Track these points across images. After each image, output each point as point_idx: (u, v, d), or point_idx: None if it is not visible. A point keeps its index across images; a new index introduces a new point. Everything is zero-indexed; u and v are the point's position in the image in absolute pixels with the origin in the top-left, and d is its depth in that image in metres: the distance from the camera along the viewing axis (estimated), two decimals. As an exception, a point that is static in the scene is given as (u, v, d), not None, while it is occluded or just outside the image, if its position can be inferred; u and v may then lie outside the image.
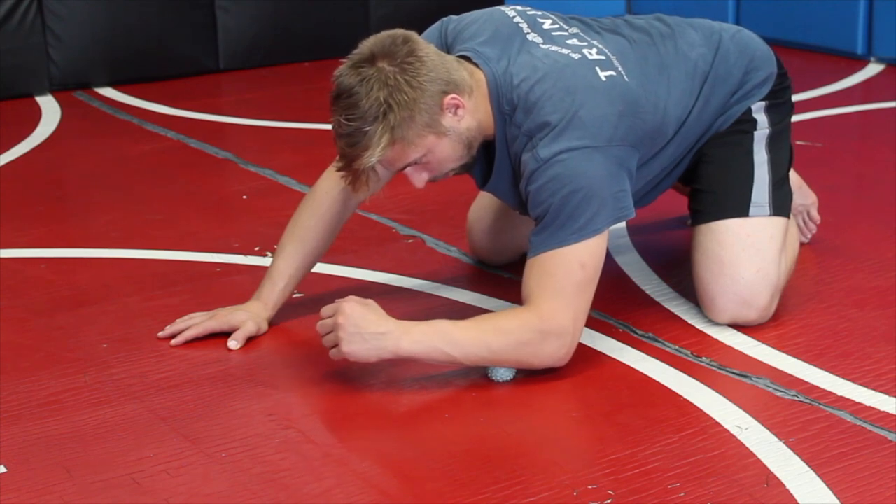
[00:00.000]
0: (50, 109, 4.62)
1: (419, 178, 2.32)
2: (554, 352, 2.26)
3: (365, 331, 2.20)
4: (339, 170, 2.29)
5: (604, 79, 2.32)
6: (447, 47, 2.43)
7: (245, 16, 5.19)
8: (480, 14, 2.48)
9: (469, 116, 2.29)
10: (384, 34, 2.25)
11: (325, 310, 2.26)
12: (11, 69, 4.74)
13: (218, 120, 4.48)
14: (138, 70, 5.02)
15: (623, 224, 3.10)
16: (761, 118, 2.59)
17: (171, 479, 2.01)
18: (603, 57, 2.37)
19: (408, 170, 2.30)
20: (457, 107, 2.26)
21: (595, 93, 2.30)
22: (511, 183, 2.41)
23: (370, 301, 2.25)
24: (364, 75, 2.19)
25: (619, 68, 2.37)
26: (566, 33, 2.43)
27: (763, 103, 2.59)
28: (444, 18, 2.52)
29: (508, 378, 2.31)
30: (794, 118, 2.74)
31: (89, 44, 4.91)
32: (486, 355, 2.25)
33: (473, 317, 2.30)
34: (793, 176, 2.87)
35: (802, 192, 2.95)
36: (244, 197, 3.53)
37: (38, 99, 4.77)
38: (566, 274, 2.25)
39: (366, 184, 2.27)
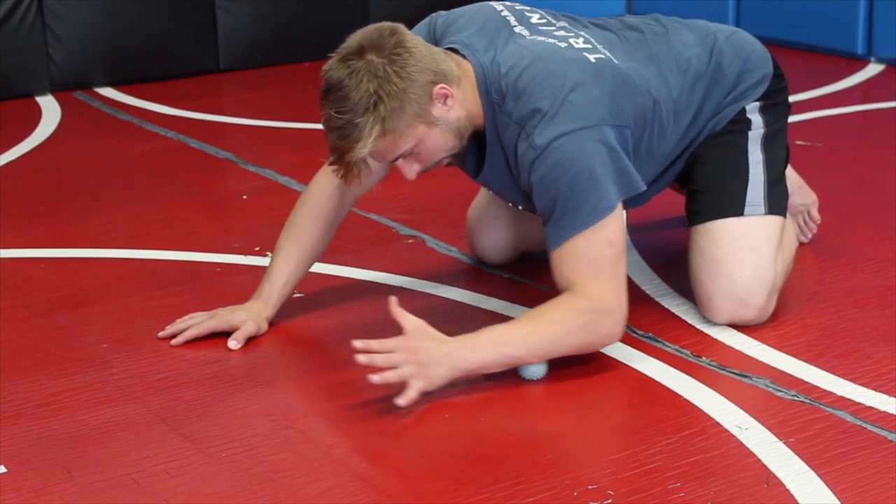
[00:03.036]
0: (50, 109, 4.62)
1: (410, 170, 2.32)
2: (609, 329, 2.29)
3: (435, 357, 2.19)
4: (330, 164, 2.30)
5: (593, 60, 2.34)
6: (436, 41, 2.44)
7: (245, 16, 5.19)
8: (469, 8, 2.50)
9: (458, 106, 2.30)
10: (371, 27, 2.27)
11: (384, 345, 2.18)
12: (11, 69, 4.74)
13: (218, 120, 4.48)
14: (138, 70, 5.02)
15: (623, 224, 3.09)
16: (756, 118, 2.59)
17: (171, 479, 2.01)
18: (589, 45, 2.39)
19: (399, 161, 2.31)
20: (446, 96, 2.27)
21: (584, 75, 2.30)
22: (505, 172, 2.41)
23: (420, 322, 2.22)
24: (353, 68, 2.20)
25: (607, 53, 2.38)
26: (553, 27, 2.45)
27: (758, 104, 2.59)
28: (434, 14, 2.53)
29: (542, 375, 2.30)
30: (795, 118, 2.75)
31: (89, 44, 4.91)
32: (550, 347, 2.26)
33: (519, 316, 2.30)
34: (793, 176, 2.87)
35: (803, 192, 2.95)
36: (244, 197, 3.53)
37: (38, 99, 4.77)
38: (598, 254, 2.26)
39: (358, 176, 2.27)
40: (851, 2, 5.07)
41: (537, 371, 2.31)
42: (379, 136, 2.21)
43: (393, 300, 2.22)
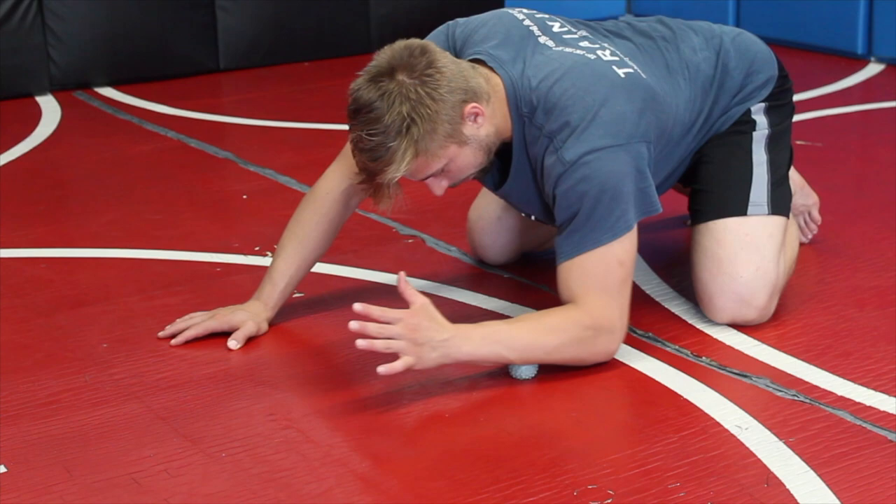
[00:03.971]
0: (50, 109, 4.62)
1: (439, 187, 2.31)
2: (605, 347, 2.31)
3: (433, 339, 2.18)
4: (360, 183, 2.28)
5: (622, 75, 2.33)
6: (456, 52, 2.42)
7: (245, 16, 5.19)
8: (488, 17, 2.48)
9: (488, 123, 2.29)
10: (400, 45, 2.23)
11: (386, 313, 2.17)
12: (11, 69, 4.74)
13: (218, 120, 4.48)
14: (138, 70, 5.02)
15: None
16: (760, 119, 2.59)
17: (171, 479, 2.01)
18: (617, 58, 2.38)
19: (429, 179, 2.29)
20: (476, 115, 2.25)
21: (615, 90, 2.30)
22: (530, 185, 2.40)
23: (426, 301, 2.21)
24: (384, 89, 2.18)
25: (635, 66, 2.37)
26: (576, 36, 2.43)
27: (763, 105, 2.59)
28: (450, 22, 2.50)
29: (531, 376, 2.31)
30: (795, 118, 2.74)
31: (89, 44, 4.91)
32: (542, 356, 2.27)
33: (520, 317, 2.31)
34: (795, 176, 2.87)
35: (804, 193, 2.95)
36: (244, 197, 3.53)
37: (38, 99, 4.77)
38: (606, 272, 2.27)
39: (389, 197, 2.25)
40: (851, 2, 5.07)
41: (527, 371, 2.31)
42: (412, 159, 2.19)
43: (402, 275, 2.20)
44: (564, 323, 2.27)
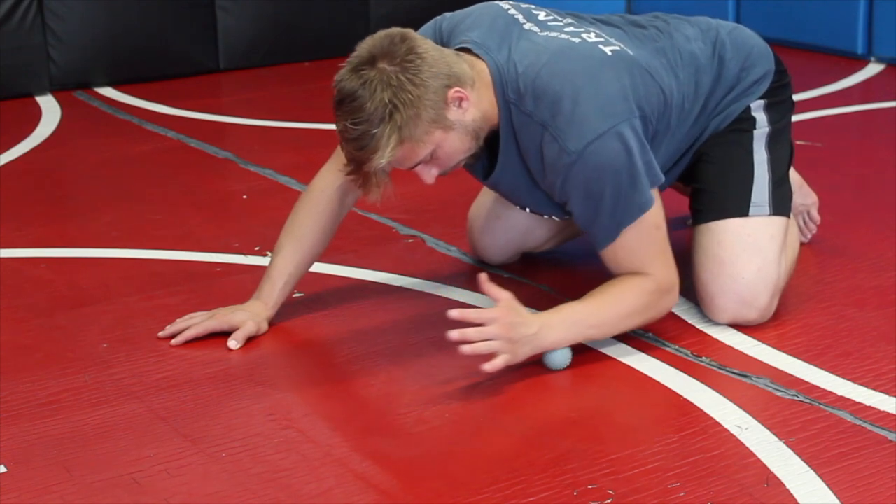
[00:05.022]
0: (50, 109, 4.62)
1: (429, 174, 2.32)
2: (669, 304, 2.44)
3: (525, 335, 2.25)
4: (348, 174, 2.28)
5: (609, 53, 2.35)
6: (443, 44, 2.42)
7: (245, 16, 5.19)
8: (474, 9, 2.50)
9: (473, 108, 2.29)
10: (381, 34, 2.25)
11: (481, 316, 2.23)
12: (11, 69, 4.74)
13: (218, 120, 4.48)
14: (138, 70, 5.02)
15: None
16: (760, 117, 2.59)
17: (171, 479, 2.01)
18: (602, 39, 2.39)
19: (418, 167, 2.30)
20: (461, 99, 2.26)
21: (603, 68, 2.32)
22: (520, 173, 2.41)
23: (510, 295, 2.27)
24: (366, 78, 2.19)
25: (622, 45, 2.39)
26: (561, 23, 2.45)
27: (762, 102, 2.59)
28: (438, 17, 2.52)
29: (566, 364, 2.35)
30: (795, 118, 2.74)
31: (89, 44, 4.91)
32: (619, 324, 2.39)
33: (588, 294, 2.37)
34: (793, 175, 2.86)
35: (803, 192, 2.95)
36: (244, 197, 3.53)
37: (38, 99, 4.77)
38: (649, 241, 2.36)
39: (377, 185, 2.26)
40: (851, 2, 5.07)
41: (562, 360, 2.34)
42: (397, 146, 2.20)
43: (483, 276, 2.26)
44: (631, 292, 2.36)
